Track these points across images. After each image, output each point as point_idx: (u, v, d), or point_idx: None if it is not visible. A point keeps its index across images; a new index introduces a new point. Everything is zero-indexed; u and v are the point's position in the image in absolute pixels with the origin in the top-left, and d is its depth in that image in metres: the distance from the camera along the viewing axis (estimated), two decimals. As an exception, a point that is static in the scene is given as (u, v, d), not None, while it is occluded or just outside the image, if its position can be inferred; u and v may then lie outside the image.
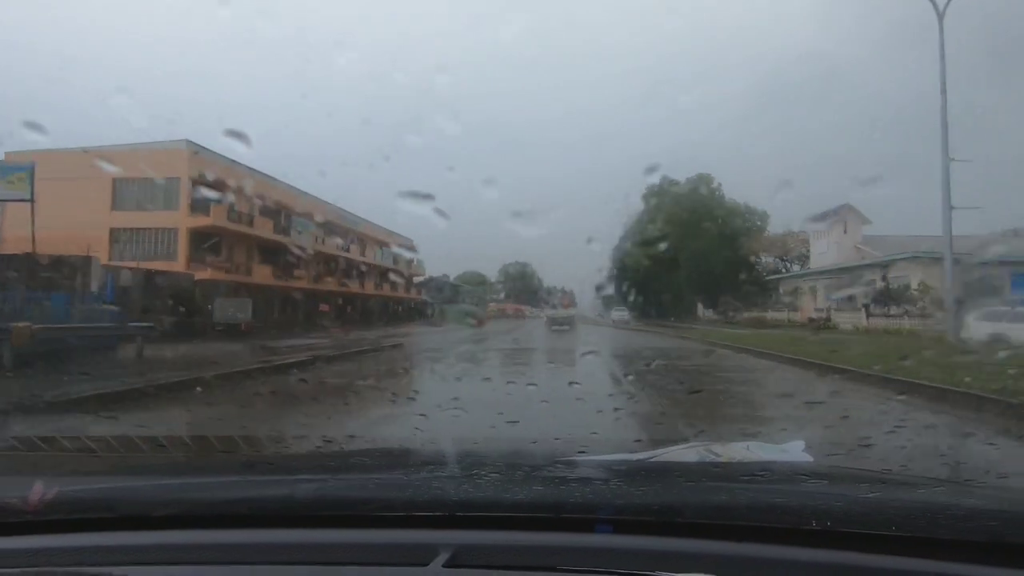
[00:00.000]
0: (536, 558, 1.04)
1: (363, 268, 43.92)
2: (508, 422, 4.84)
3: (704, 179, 60.20)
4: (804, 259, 54.25)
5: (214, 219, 28.37)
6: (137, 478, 1.61)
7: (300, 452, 3.74)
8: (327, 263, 40.89)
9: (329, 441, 4.17)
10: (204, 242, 29.00)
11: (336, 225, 40.62)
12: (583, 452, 2.34)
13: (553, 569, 1.01)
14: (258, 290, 31.90)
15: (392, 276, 50.05)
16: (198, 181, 26.19)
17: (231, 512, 1.19)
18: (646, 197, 64.03)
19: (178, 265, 26.76)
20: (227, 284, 27.98)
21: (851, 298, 31.43)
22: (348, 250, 41.51)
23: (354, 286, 42.55)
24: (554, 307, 34.08)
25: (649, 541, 1.06)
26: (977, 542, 1.02)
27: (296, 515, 1.20)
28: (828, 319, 27.56)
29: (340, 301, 37.79)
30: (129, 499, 1.27)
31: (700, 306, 55.17)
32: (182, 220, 28.17)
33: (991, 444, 5.65)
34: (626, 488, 1.33)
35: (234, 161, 23.05)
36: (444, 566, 1.00)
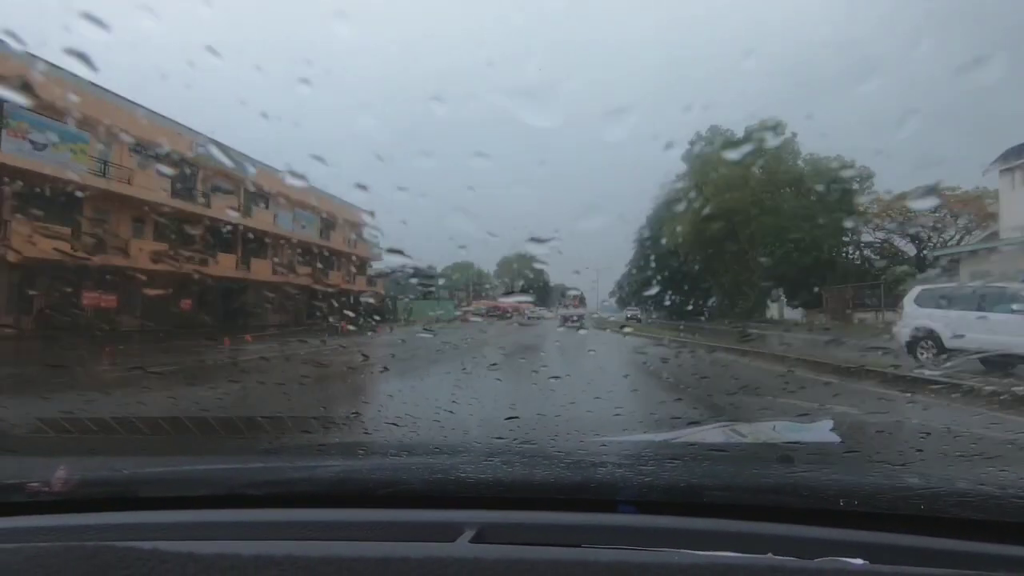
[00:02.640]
0: (561, 536, 1.04)
1: (254, 240, 26.94)
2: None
3: (772, 126, 42.19)
4: (945, 232, 36.81)
5: None
6: (163, 459, 1.62)
7: (325, 440, 3.46)
8: (182, 231, 23.99)
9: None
10: None
11: (208, 168, 23.73)
12: (606, 433, 2.31)
13: (578, 546, 1.01)
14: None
15: (319, 258, 33.09)
16: None
17: (257, 494, 1.20)
18: (688, 156, 47.21)
19: None
20: None
21: None
22: (209, 206, 24.31)
23: (226, 269, 25.35)
24: (565, 307, 33.27)
25: (672, 520, 1.06)
26: (1010, 523, 1.01)
27: (321, 495, 1.20)
28: None
29: (171, 289, 20.69)
30: (155, 480, 1.29)
31: (776, 303, 37.54)
32: None
33: None
34: (650, 468, 1.30)
35: None
36: (470, 542, 1.00)
